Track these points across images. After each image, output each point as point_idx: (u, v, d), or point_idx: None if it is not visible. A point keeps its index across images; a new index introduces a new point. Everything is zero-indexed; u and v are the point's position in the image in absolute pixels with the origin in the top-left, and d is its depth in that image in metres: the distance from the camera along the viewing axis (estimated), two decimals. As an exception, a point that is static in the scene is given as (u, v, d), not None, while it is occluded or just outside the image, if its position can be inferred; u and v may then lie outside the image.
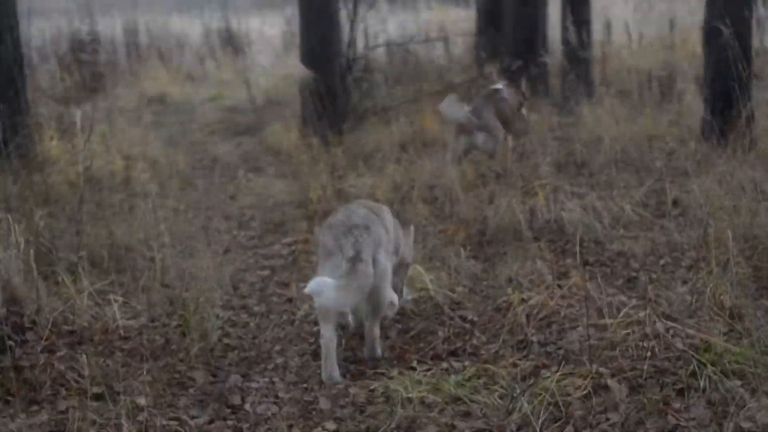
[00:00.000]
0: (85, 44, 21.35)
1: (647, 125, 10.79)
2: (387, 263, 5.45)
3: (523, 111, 10.43)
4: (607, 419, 4.43)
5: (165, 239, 7.63)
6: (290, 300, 6.68)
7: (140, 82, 20.29)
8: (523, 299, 5.95)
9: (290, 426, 4.60)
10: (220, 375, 5.30)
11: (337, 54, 13.16)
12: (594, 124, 10.99)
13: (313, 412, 4.79)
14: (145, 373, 5.05)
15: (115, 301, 5.97)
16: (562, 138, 11.11)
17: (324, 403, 4.84)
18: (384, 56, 17.57)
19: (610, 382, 4.69)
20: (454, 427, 4.50)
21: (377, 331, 5.63)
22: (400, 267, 6.05)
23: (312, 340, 5.88)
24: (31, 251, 5.88)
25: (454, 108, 9.62)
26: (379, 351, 5.62)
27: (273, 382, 5.21)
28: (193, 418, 4.70)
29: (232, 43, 26.26)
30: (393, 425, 4.51)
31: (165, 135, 14.98)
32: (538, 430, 4.40)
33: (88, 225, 7.80)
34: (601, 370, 4.80)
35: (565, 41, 13.65)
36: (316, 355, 5.54)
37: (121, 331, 5.67)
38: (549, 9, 15.41)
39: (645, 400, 4.48)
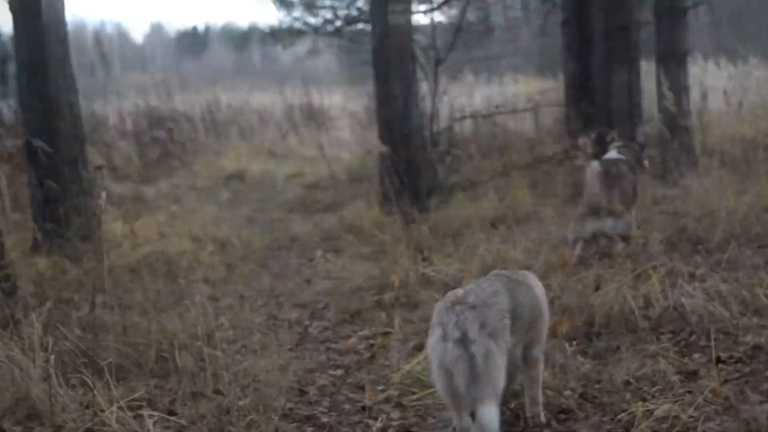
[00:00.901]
0: (163, 120, 21.04)
1: (764, 196, 9.63)
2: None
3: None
4: None
5: (224, 333, 6.74)
6: (365, 408, 5.64)
7: (219, 159, 19.78)
8: (647, 409, 4.85)
9: None
10: None
11: (418, 127, 12.39)
12: (703, 197, 9.85)
13: None
14: None
15: (151, 416, 4.98)
16: (670, 213, 10.00)
17: None
18: (470, 129, 16.79)
19: None
20: None
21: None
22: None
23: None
24: (52, 357, 4.97)
25: (596, 181, 8.52)
26: None
27: None
28: None
29: (314, 118, 25.78)
30: None
31: (242, 214, 14.32)
32: None
33: (137, 317, 6.97)
34: None
35: (663, 109, 12.59)
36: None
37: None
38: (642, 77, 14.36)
39: None
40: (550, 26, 18.18)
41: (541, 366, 5.19)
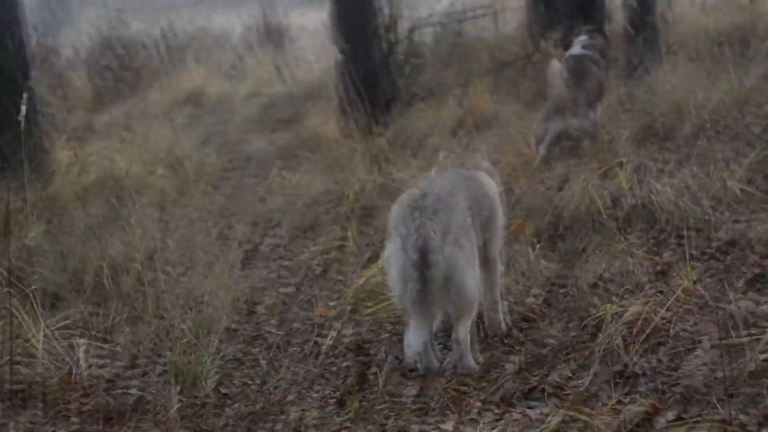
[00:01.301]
0: (116, 48, 20.42)
1: (732, 89, 9.22)
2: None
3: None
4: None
5: (169, 256, 6.33)
6: (316, 326, 5.25)
7: (174, 83, 19.17)
8: (616, 313, 4.50)
9: None
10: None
11: (376, 36, 11.89)
12: (670, 92, 9.38)
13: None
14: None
15: (83, 343, 4.58)
16: (636, 110, 9.57)
17: None
18: (431, 38, 16.23)
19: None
20: None
21: (466, 338, 4.44)
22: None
23: (341, 380, 4.48)
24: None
25: (559, 78, 8.05)
26: (471, 363, 4.45)
27: None
28: None
29: (271, 38, 25.10)
30: None
31: (197, 136, 13.79)
32: None
33: (80, 243, 6.53)
34: (742, 417, 3.34)
35: (627, 6, 12.11)
36: (341, 403, 4.16)
37: (85, 384, 4.25)
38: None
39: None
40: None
41: (499, 268, 4.83)
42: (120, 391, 4.31)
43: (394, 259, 4.37)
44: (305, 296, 5.79)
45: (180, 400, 4.09)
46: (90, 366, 4.43)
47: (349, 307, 5.37)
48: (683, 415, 3.45)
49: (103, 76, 19.19)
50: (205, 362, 4.51)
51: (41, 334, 4.55)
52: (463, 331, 4.41)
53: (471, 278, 4.35)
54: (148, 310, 5.14)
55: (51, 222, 7.46)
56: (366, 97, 11.08)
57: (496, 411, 3.89)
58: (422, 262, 4.22)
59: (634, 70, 11.30)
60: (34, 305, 4.80)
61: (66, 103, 16.22)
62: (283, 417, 4.09)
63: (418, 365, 4.46)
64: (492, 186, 4.90)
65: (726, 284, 4.82)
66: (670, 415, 3.50)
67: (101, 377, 4.36)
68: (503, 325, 4.81)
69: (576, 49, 8.53)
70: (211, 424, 3.98)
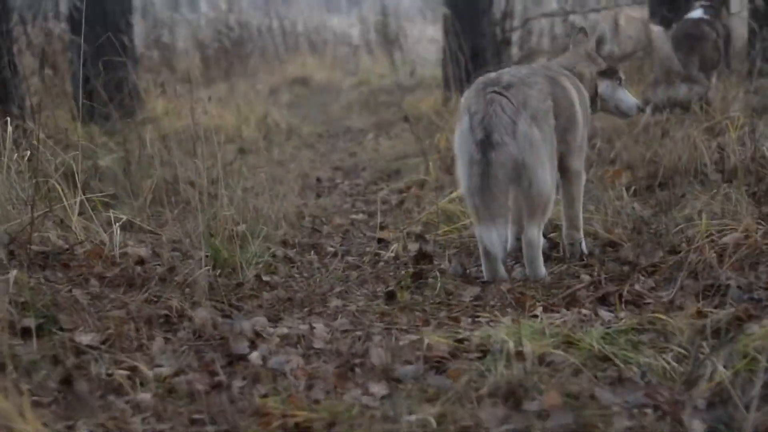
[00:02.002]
0: (231, 29, 20.50)
1: None
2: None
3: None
4: None
5: (245, 183, 5.96)
6: (381, 240, 4.84)
7: (284, 66, 19.10)
8: (710, 235, 3.99)
9: (310, 386, 2.78)
10: (235, 317, 3.40)
11: (489, 20, 11.53)
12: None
13: (357, 370, 2.93)
14: (110, 305, 3.30)
15: (125, 228, 4.25)
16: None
17: (377, 357, 2.96)
18: (547, 29, 15.79)
19: None
20: (593, 397, 2.60)
21: (538, 239, 3.99)
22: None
23: (397, 282, 4.04)
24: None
25: (666, 44, 7.53)
26: (542, 270, 4.00)
27: (313, 328, 3.31)
28: (155, 367, 2.88)
29: (388, 38, 24.90)
30: (486, 389, 2.64)
31: (300, 111, 13.56)
32: (743, 409, 2.48)
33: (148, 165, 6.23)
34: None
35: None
36: (391, 295, 3.75)
37: (117, 258, 3.89)
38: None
39: None
40: None
41: (582, 180, 4.31)
42: (151, 264, 3.95)
43: (460, 141, 3.92)
44: (375, 222, 5.36)
45: (214, 277, 3.71)
46: (126, 246, 4.07)
47: (419, 228, 4.94)
48: (780, 324, 2.94)
49: (216, 56, 19.20)
50: (252, 254, 4.13)
51: (77, 205, 4.22)
52: (536, 231, 3.94)
53: (547, 168, 3.86)
54: (203, 209, 4.76)
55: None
56: (472, 72, 10.71)
57: (562, 312, 3.40)
58: (487, 143, 3.77)
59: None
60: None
61: (173, 75, 16.18)
62: (321, 305, 3.68)
63: (484, 273, 4.01)
64: (576, 92, 4.31)
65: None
66: (766, 321, 2.99)
67: (135, 255, 3.99)
68: (583, 245, 4.31)
69: (695, 12, 7.95)
70: (243, 305, 3.57)
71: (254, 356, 2.94)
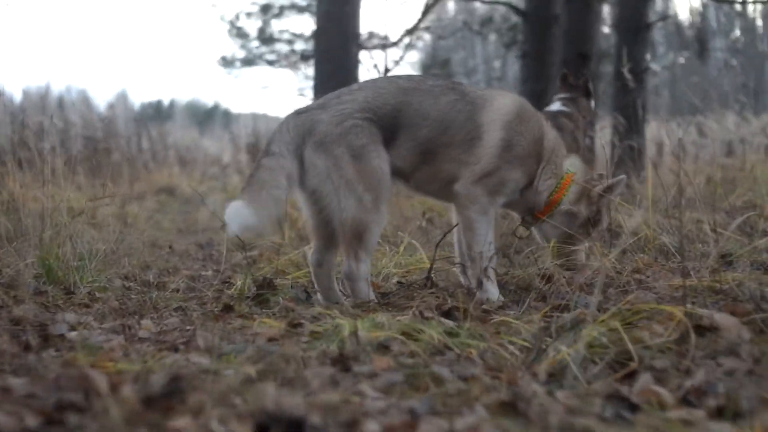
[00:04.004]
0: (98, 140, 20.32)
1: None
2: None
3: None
4: None
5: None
6: (227, 282, 4.67)
7: (153, 175, 18.95)
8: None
9: (127, 355, 2.58)
10: (59, 312, 3.15)
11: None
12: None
13: (181, 347, 2.75)
14: None
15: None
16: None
17: (202, 339, 2.75)
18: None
19: None
20: (426, 366, 2.46)
21: (358, 271, 3.78)
22: None
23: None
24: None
25: None
26: (367, 294, 3.80)
27: (140, 322, 3.10)
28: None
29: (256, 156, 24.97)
30: (314, 354, 2.49)
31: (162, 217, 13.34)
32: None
33: None
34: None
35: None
36: (228, 309, 3.60)
37: None
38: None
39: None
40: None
41: (478, 211, 4.04)
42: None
43: None
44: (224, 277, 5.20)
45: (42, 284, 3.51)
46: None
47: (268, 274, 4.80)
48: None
49: (82, 158, 18.89)
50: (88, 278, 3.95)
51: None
52: (353, 265, 3.75)
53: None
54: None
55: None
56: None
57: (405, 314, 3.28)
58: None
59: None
60: None
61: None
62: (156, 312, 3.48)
63: (318, 295, 3.88)
64: (497, 111, 4.06)
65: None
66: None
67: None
68: (470, 283, 4.03)
69: (554, 105, 8.12)
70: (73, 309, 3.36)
71: (73, 335, 2.75)
